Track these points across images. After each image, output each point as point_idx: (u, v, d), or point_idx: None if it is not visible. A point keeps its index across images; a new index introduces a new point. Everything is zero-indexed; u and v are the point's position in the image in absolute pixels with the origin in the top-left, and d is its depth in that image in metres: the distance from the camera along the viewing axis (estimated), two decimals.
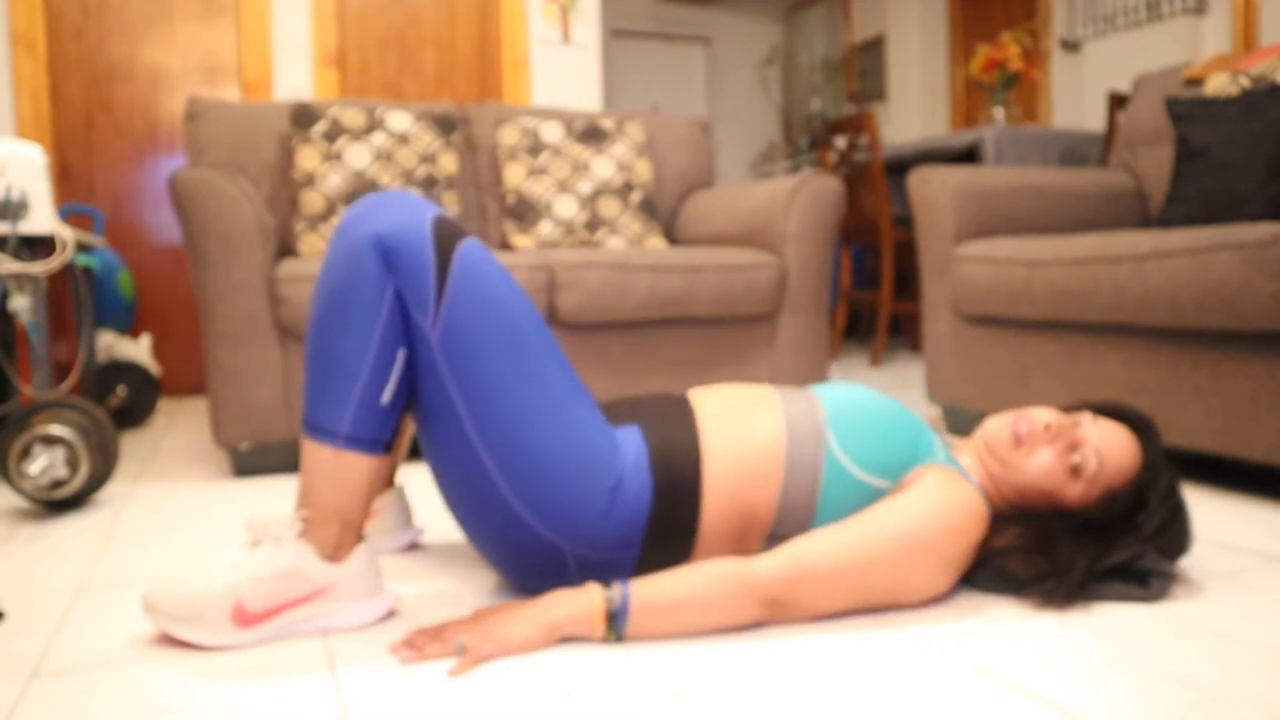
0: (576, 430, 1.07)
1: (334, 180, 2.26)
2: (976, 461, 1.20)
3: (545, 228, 2.44)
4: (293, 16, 3.45)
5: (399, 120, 2.39)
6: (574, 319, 2.10)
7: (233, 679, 0.96)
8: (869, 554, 1.04)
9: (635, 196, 2.53)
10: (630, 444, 1.11)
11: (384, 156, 2.33)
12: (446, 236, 1.05)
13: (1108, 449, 1.13)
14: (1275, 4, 4.01)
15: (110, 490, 1.86)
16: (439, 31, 3.71)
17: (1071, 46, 4.98)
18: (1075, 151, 3.81)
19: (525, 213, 2.46)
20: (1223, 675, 0.92)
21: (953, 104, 5.94)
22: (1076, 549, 1.11)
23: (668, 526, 1.09)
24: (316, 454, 1.05)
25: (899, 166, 4.25)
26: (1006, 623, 1.07)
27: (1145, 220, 2.41)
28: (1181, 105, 2.11)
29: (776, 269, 2.27)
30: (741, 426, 1.13)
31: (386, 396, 1.04)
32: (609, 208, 2.49)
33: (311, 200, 2.24)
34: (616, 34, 6.86)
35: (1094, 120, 4.82)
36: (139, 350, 2.72)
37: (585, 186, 2.49)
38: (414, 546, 1.42)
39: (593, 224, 2.47)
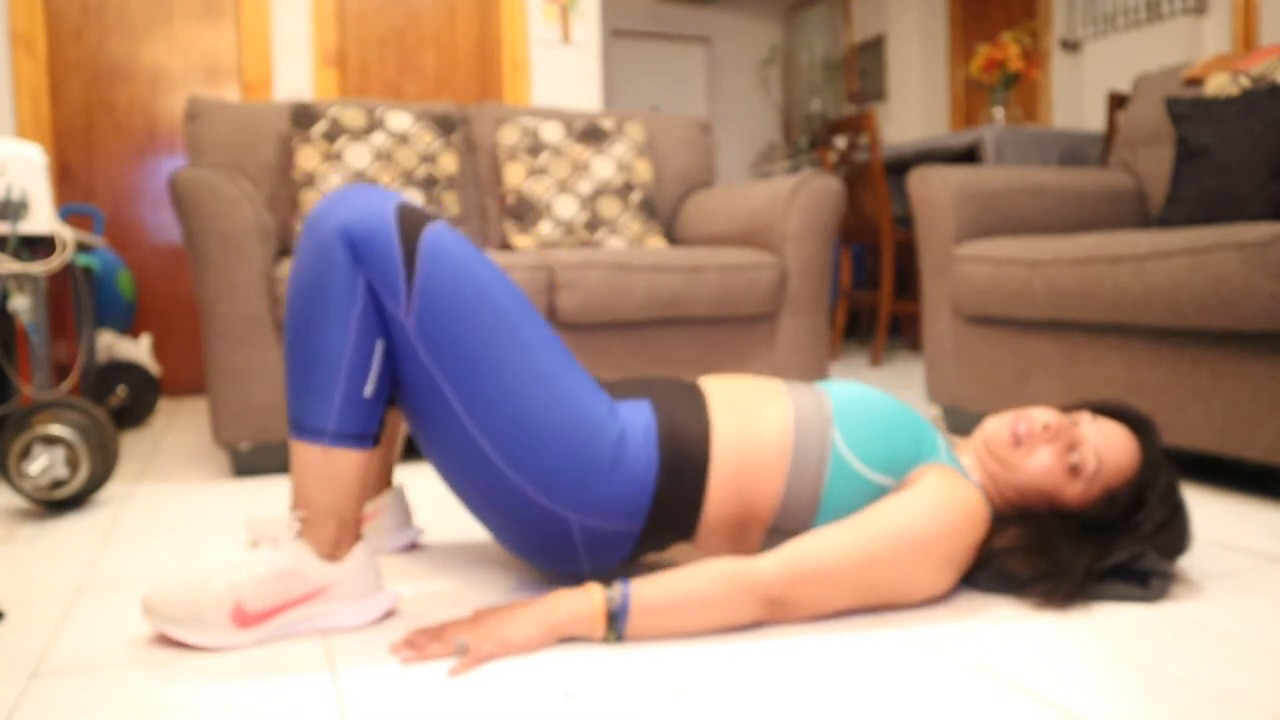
0: (567, 394, 1.07)
1: (334, 180, 2.26)
2: (976, 461, 1.20)
3: (545, 228, 2.44)
4: (293, 16, 3.45)
5: (399, 120, 2.39)
6: (574, 319, 2.10)
7: (232, 679, 0.96)
8: (870, 553, 1.04)
9: (635, 196, 2.53)
10: (640, 415, 1.11)
11: (384, 156, 2.33)
12: (411, 223, 1.04)
13: (1107, 448, 1.13)
14: (1275, 4, 4.01)
15: (110, 490, 1.86)
16: (439, 31, 3.71)
17: (1071, 46, 4.98)
18: (1075, 151, 3.81)
19: (525, 213, 2.46)
20: (1223, 675, 0.92)
21: (953, 104, 5.94)
22: (1076, 549, 1.11)
23: (672, 503, 1.10)
24: (306, 454, 1.05)
25: (899, 166, 4.25)
26: (1006, 623, 1.07)
27: (1145, 220, 2.41)
28: (1181, 105, 2.11)
29: (776, 269, 2.27)
30: (751, 416, 1.14)
31: (369, 390, 1.04)
32: (609, 208, 2.49)
33: (311, 200, 2.24)
34: (616, 34, 6.86)
35: (1094, 120, 4.82)
36: (139, 350, 2.72)
37: (585, 186, 2.49)
38: (414, 546, 1.42)
39: (593, 224, 2.47)
